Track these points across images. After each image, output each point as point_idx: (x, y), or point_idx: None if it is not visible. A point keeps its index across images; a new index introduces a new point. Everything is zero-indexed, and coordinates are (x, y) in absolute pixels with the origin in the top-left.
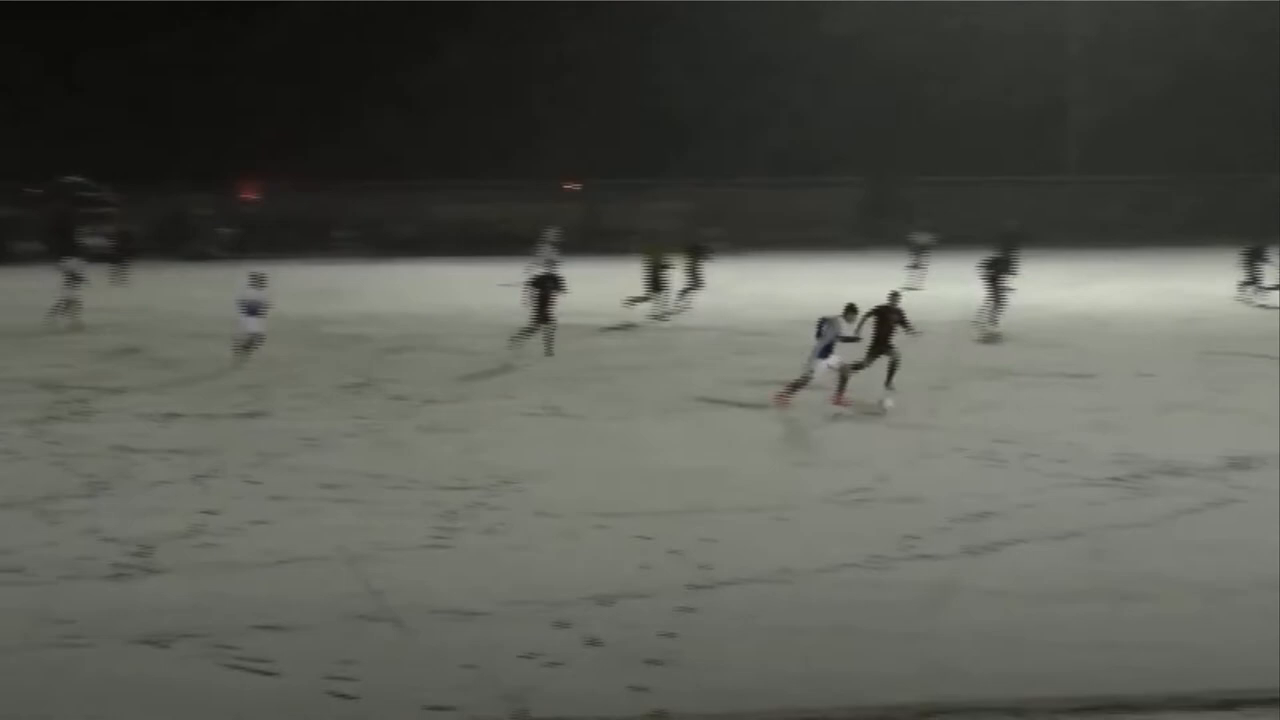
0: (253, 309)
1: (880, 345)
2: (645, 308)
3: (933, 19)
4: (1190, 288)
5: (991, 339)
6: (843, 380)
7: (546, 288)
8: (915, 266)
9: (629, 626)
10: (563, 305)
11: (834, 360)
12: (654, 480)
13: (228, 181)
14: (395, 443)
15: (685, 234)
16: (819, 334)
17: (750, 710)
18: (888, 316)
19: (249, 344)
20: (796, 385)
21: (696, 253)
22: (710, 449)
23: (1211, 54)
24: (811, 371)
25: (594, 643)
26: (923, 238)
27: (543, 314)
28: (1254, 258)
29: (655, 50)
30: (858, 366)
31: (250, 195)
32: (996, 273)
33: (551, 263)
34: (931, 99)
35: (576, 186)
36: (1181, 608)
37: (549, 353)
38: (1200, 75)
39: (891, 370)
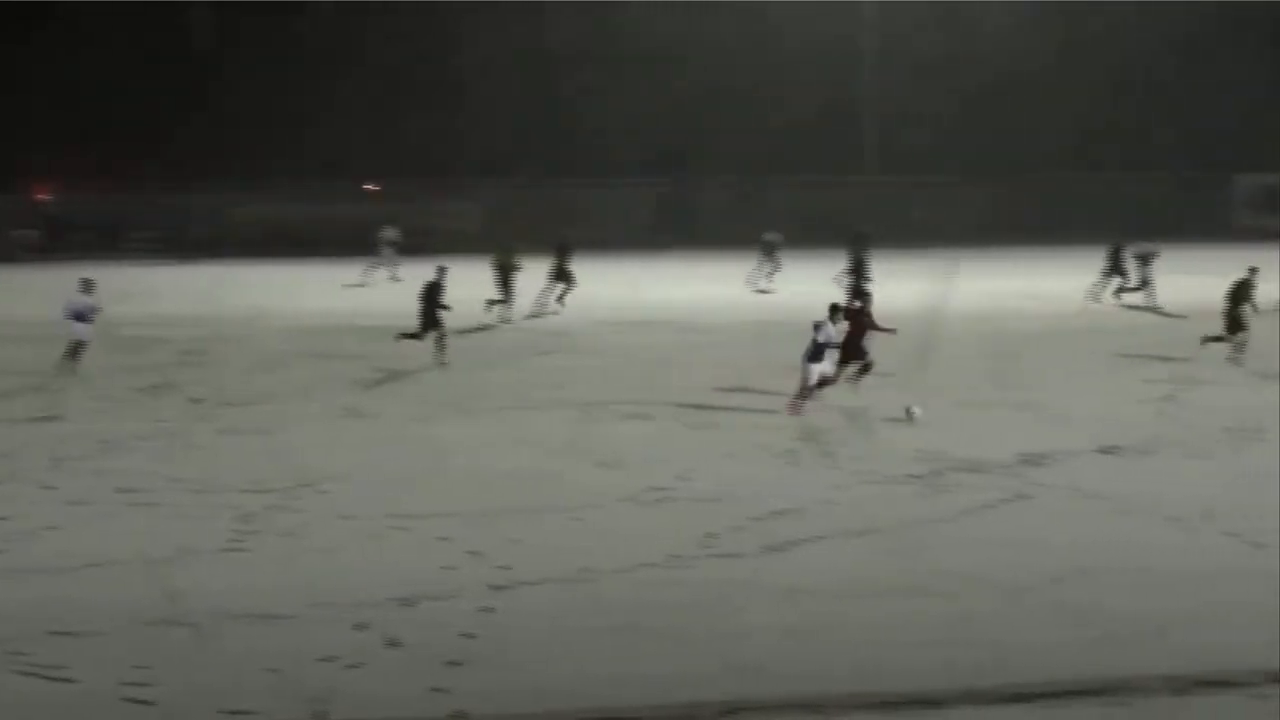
0: (81, 315)
1: (852, 348)
2: (499, 309)
3: (729, 19)
4: (987, 287)
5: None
6: (814, 387)
7: (434, 294)
8: (765, 267)
9: (430, 628)
10: (366, 306)
11: (826, 365)
12: (455, 481)
13: (22, 182)
14: (194, 446)
15: (541, 233)
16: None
17: (551, 710)
18: (860, 319)
19: (75, 351)
20: (804, 394)
21: (564, 251)
22: (512, 450)
23: (1006, 56)
24: (818, 374)
25: (394, 644)
26: (772, 237)
27: (432, 320)
28: (1116, 256)
29: (449, 51)
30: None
31: (44, 196)
32: (859, 276)
33: (442, 269)
34: (728, 99)
35: (376, 187)
36: (978, 603)
37: (441, 361)
38: (993, 77)
39: (864, 371)
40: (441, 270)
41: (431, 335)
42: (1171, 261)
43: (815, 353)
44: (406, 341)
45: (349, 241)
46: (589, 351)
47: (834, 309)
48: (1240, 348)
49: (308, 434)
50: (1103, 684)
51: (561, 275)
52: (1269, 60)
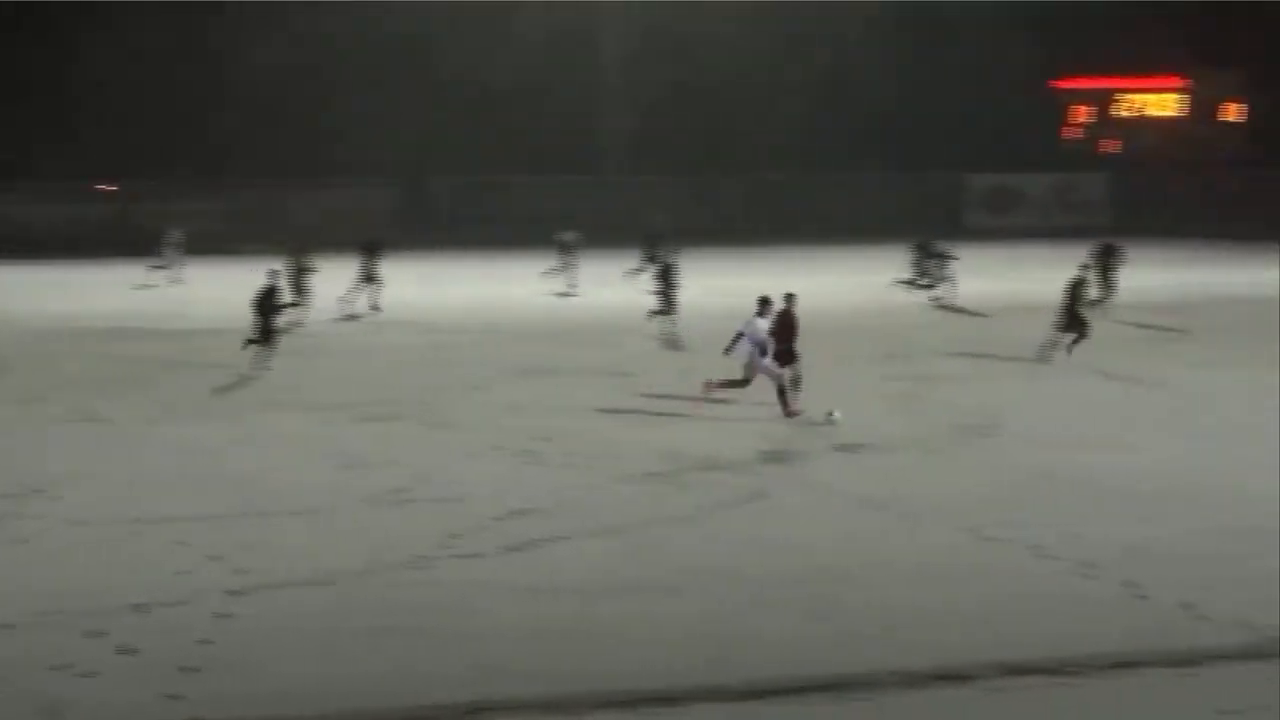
0: None
1: (786, 351)
2: (297, 312)
3: (471, 18)
4: (731, 285)
5: (673, 343)
6: (782, 391)
7: (272, 298)
8: (564, 268)
9: (165, 633)
10: (98, 308)
11: (771, 363)
12: (192, 485)
13: None
14: None
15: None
16: (736, 339)
17: (292, 714)
18: (788, 320)
19: None
20: (782, 392)
21: (372, 250)
22: (250, 452)
23: (743, 55)
24: (779, 375)
25: (129, 651)
26: (569, 237)
27: (268, 325)
28: (923, 255)
29: (185, 51)
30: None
31: None
32: (669, 275)
33: (275, 272)
34: (467, 97)
35: (111, 187)
36: (718, 600)
37: (265, 366)
38: (730, 75)
39: (794, 383)
40: (274, 273)
41: (259, 336)
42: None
43: (761, 351)
44: (168, 345)
45: (83, 242)
46: (333, 353)
47: (763, 302)
48: (1074, 345)
49: (38, 437)
50: (840, 679)
51: (369, 277)
52: (1002, 59)
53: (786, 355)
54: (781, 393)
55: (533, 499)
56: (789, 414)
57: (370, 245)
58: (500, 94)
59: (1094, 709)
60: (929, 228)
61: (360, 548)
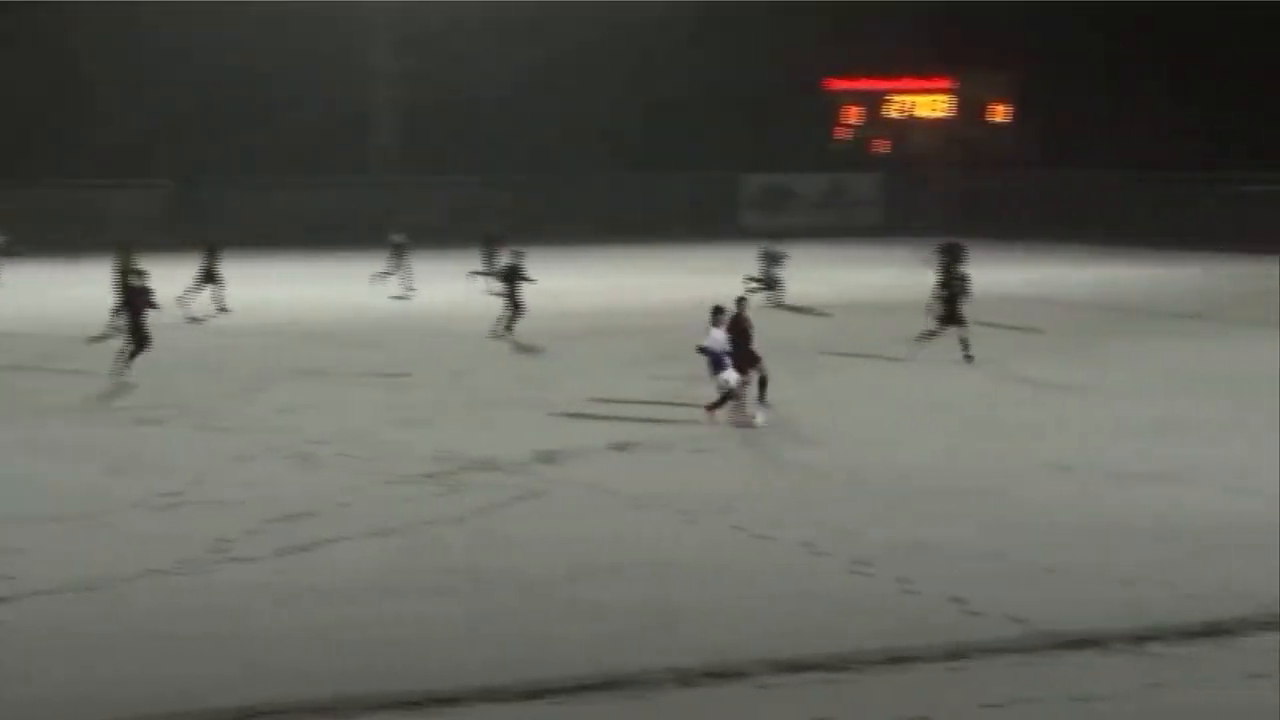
0: None
1: (747, 356)
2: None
3: (236, 16)
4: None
5: (521, 344)
6: (725, 397)
7: (139, 301)
8: (394, 271)
9: None
10: None
11: (730, 374)
12: None
13: None
14: None
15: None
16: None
17: None
18: (741, 324)
19: None
20: (723, 400)
21: (213, 252)
22: (17, 456)
23: (523, 55)
24: (726, 384)
25: None
26: (399, 238)
27: (137, 326)
28: (771, 260)
29: None
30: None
31: None
32: (514, 277)
33: (144, 274)
34: (235, 98)
35: None
36: (493, 600)
37: (121, 371)
38: (510, 75)
39: (762, 384)
40: (143, 274)
41: (132, 341)
42: (688, 260)
43: (717, 361)
44: None
45: None
46: (104, 355)
47: (717, 311)
48: (924, 339)
49: None
50: (615, 678)
51: (210, 277)
52: (777, 59)
53: (748, 358)
54: (722, 402)
55: (307, 501)
56: (709, 413)
57: (211, 246)
58: (270, 95)
59: (865, 703)
60: (705, 228)
61: (130, 553)
